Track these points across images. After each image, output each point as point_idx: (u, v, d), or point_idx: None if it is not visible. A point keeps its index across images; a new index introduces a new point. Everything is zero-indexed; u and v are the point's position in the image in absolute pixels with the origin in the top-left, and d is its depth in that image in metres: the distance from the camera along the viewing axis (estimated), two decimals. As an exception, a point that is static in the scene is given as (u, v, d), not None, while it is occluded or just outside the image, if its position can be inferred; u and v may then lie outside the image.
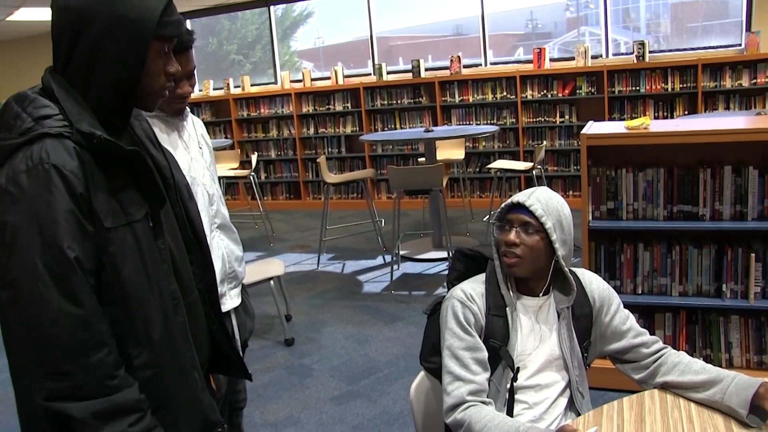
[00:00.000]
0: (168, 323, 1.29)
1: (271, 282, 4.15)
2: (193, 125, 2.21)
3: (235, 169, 7.43)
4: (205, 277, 1.48)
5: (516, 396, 1.75)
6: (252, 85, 8.86)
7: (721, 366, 3.01)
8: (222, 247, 2.18)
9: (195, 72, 2.06)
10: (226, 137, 8.85)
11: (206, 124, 8.96)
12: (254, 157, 7.22)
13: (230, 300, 2.21)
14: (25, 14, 7.60)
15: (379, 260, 5.85)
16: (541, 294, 1.79)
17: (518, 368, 1.74)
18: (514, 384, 1.74)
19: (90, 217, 1.17)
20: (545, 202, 1.72)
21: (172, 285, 1.32)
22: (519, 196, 1.74)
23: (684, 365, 1.70)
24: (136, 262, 1.23)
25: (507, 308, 1.75)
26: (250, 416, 3.34)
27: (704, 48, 6.72)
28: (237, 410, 2.53)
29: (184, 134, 2.13)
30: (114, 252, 1.20)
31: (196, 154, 2.14)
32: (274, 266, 4.30)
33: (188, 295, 1.39)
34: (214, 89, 9.03)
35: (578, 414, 1.77)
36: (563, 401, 1.79)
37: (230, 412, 2.48)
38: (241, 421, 2.62)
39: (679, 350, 1.80)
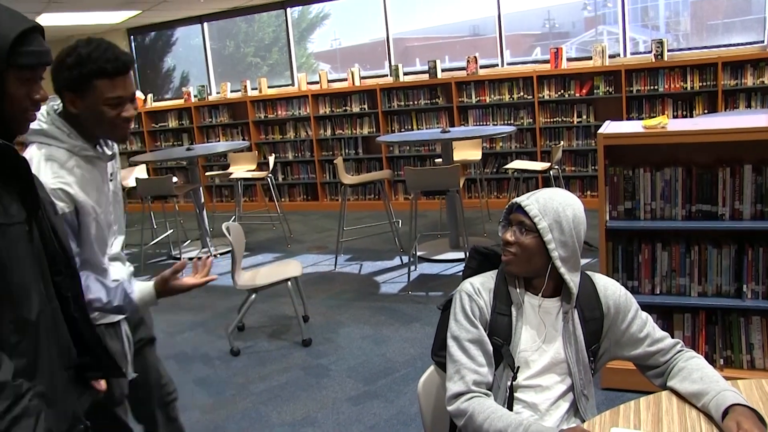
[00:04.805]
0: (44, 317, 1.39)
1: (289, 283, 4.18)
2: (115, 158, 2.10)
3: (253, 170, 7.48)
4: (72, 285, 1.54)
5: (516, 395, 1.76)
6: (269, 87, 8.91)
7: (742, 368, 3.00)
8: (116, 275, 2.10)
9: (136, 95, 1.94)
10: (243, 139, 8.91)
11: (224, 126, 9.06)
12: (271, 159, 7.26)
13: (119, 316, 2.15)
14: (46, 20, 7.71)
15: (396, 261, 5.85)
16: (547, 295, 1.79)
17: (518, 368, 1.75)
18: (514, 383, 1.75)
19: None
20: (543, 203, 1.73)
21: (40, 285, 1.41)
22: (520, 197, 1.78)
23: (686, 372, 1.69)
24: (19, 260, 1.34)
25: (512, 306, 1.77)
26: (267, 416, 3.36)
27: (725, 46, 6.64)
28: (169, 404, 2.47)
29: (106, 175, 2.01)
30: (1, 246, 1.29)
31: (109, 192, 2.03)
32: (291, 267, 4.32)
33: (49, 303, 1.45)
34: (231, 91, 9.09)
35: (583, 419, 1.76)
36: (565, 404, 1.78)
37: (164, 407, 2.44)
38: (178, 415, 2.54)
39: (697, 352, 1.79)
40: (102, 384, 1.69)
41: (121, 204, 2.13)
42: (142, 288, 1.90)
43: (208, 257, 1.99)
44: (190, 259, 2.02)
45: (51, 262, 1.47)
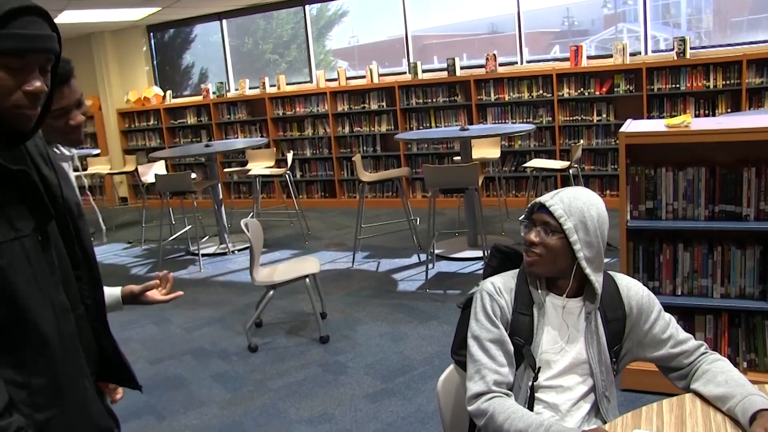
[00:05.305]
0: (60, 332, 1.30)
1: (307, 280, 4.18)
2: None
3: (271, 167, 7.50)
4: (93, 294, 1.47)
5: (536, 395, 1.75)
6: (287, 84, 8.93)
7: (766, 372, 2.96)
8: None
9: (83, 99, 1.88)
10: (261, 136, 8.94)
11: (242, 122, 9.08)
12: (290, 156, 7.28)
13: None
14: (69, 17, 7.78)
15: (414, 259, 5.84)
16: (571, 295, 1.77)
17: (539, 368, 1.74)
18: (535, 383, 1.74)
19: None
20: (568, 203, 1.71)
21: (60, 296, 1.32)
22: (543, 197, 1.75)
23: (711, 375, 1.67)
24: (27, 276, 1.24)
25: (534, 306, 1.75)
26: (285, 412, 3.38)
27: (750, 43, 6.53)
28: None
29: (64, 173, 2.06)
30: (4, 265, 1.20)
31: None
32: (309, 264, 4.33)
33: (74, 310, 1.39)
34: (249, 88, 9.13)
35: (604, 420, 1.75)
36: (586, 406, 1.77)
37: None
38: None
39: (720, 354, 1.76)
40: (119, 393, 1.66)
41: (76, 193, 2.14)
42: (109, 294, 1.88)
43: (168, 273, 1.88)
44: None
45: (74, 267, 1.40)
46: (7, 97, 1.19)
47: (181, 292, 1.89)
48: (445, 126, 7.85)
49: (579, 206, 1.70)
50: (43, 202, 1.29)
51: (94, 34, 9.85)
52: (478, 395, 1.68)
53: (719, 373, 1.66)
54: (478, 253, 5.62)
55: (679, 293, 3.04)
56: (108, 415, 1.49)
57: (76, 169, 2.04)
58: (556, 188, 7.46)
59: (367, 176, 6.06)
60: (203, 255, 6.53)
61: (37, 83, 1.22)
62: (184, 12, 8.99)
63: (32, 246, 1.26)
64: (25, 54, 1.19)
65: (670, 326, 1.79)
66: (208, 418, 3.42)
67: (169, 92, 9.84)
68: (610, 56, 6.98)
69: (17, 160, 1.29)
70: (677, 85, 6.57)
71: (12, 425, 1.21)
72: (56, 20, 1.27)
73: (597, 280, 1.72)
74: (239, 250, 6.68)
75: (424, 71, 8.00)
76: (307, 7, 8.79)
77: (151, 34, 10.11)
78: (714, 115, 6.43)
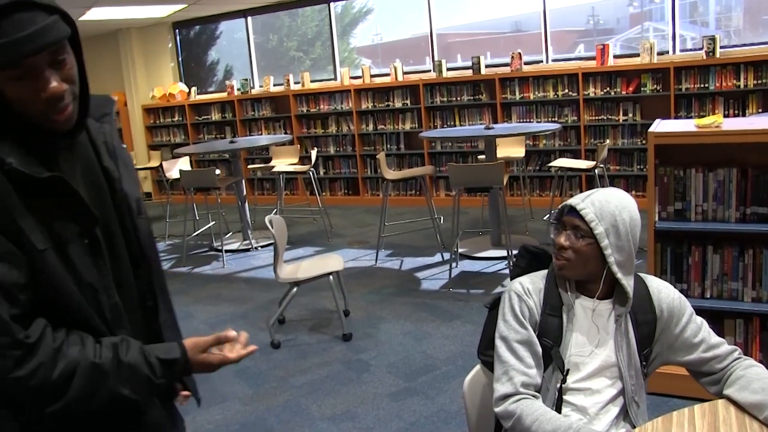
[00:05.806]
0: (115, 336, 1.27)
1: (330, 277, 4.18)
2: None
3: (295, 164, 7.52)
4: (153, 295, 1.42)
5: (564, 397, 1.73)
6: (312, 82, 8.94)
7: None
8: None
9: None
10: (285, 133, 8.97)
11: (266, 119, 9.12)
12: (313, 153, 7.29)
13: None
14: (96, 14, 7.86)
15: (438, 258, 5.82)
16: (601, 297, 1.75)
17: (568, 370, 1.72)
18: (563, 385, 1.72)
19: (17, 239, 1.12)
20: (600, 206, 1.68)
21: (113, 299, 1.27)
22: (574, 199, 1.73)
23: (745, 381, 1.63)
24: (71, 283, 1.18)
25: (563, 308, 1.73)
26: (308, 409, 3.38)
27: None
28: None
29: None
30: (49, 273, 1.15)
31: None
32: (333, 261, 4.33)
33: (132, 311, 1.34)
34: (274, 85, 9.16)
35: (633, 424, 1.72)
36: (615, 409, 1.74)
37: None
38: None
39: (754, 359, 1.72)
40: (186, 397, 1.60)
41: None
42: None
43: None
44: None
45: (134, 267, 1.35)
46: (32, 105, 1.14)
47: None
48: (469, 124, 7.80)
49: (611, 210, 1.68)
50: (83, 206, 1.21)
51: (120, 31, 9.95)
52: (506, 396, 1.67)
53: (755, 379, 1.62)
54: (502, 253, 5.59)
55: (708, 296, 2.99)
56: (169, 417, 1.45)
57: None
58: (581, 188, 7.40)
59: (390, 174, 6.05)
60: (227, 251, 6.57)
61: (52, 84, 1.13)
62: (209, 9, 9.05)
63: (77, 252, 1.20)
64: (22, 61, 1.09)
65: (701, 330, 1.76)
66: (230, 413, 3.44)
67: (194, 89, 9.92)
68: (637, 55, 6.88)
69: (63, 159, 1.23)
70: (706, 85, 6.46)
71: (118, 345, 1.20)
72: (83, 17, 1.21)
73: (628, 283, 1.69)
74: (262, 247, 6.71)
75: (448, 69, 7.97)
76: (331, 4, 8.79)
77: (177, 30, 10.19)
78: (744, 115, 6.32)
